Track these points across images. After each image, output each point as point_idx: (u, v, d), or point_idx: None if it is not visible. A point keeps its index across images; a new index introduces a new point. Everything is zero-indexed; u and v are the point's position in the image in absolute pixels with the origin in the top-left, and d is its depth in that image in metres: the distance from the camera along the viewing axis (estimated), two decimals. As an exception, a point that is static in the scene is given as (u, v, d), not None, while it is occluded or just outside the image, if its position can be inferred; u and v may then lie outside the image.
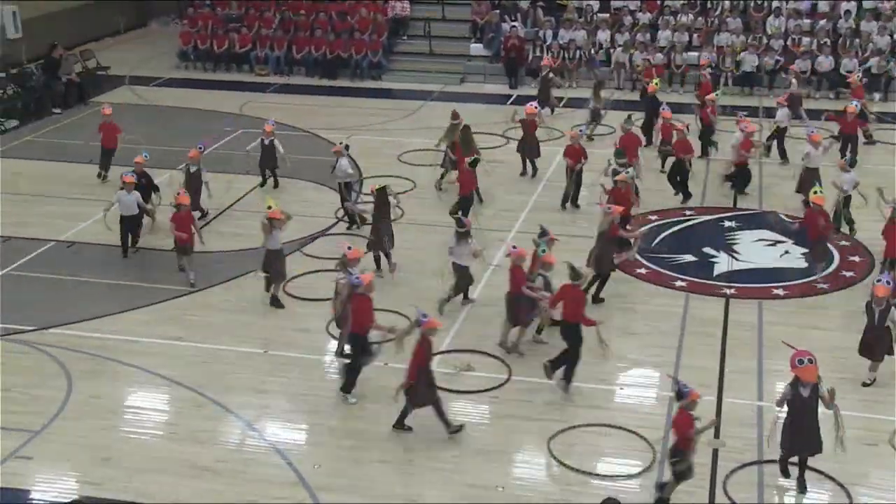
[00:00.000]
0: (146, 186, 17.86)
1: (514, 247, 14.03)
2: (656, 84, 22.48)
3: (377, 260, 16.37)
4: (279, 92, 28.40)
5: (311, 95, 27.95)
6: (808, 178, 18.13)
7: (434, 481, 11.56)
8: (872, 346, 13.12)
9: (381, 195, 16.23)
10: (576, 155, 18.74)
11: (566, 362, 13.13)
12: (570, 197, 18.98)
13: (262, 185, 20.17)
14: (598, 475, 11.60)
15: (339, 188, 18.21)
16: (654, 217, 18.64)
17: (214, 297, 15.80)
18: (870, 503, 11.14)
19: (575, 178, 18.89)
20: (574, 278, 13.17)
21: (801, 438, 11.06)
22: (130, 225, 17.14)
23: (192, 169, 18.07)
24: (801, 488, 11.23)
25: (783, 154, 21.52)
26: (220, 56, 30.61)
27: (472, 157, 18.45)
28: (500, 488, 11.46)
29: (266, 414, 12.94)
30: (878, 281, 13.06)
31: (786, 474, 11.37)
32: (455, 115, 20.20)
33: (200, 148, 18.40)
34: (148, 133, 22.45)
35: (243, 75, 30.09)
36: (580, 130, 19.49)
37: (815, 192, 16.20)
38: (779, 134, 21.65)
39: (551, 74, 24.92)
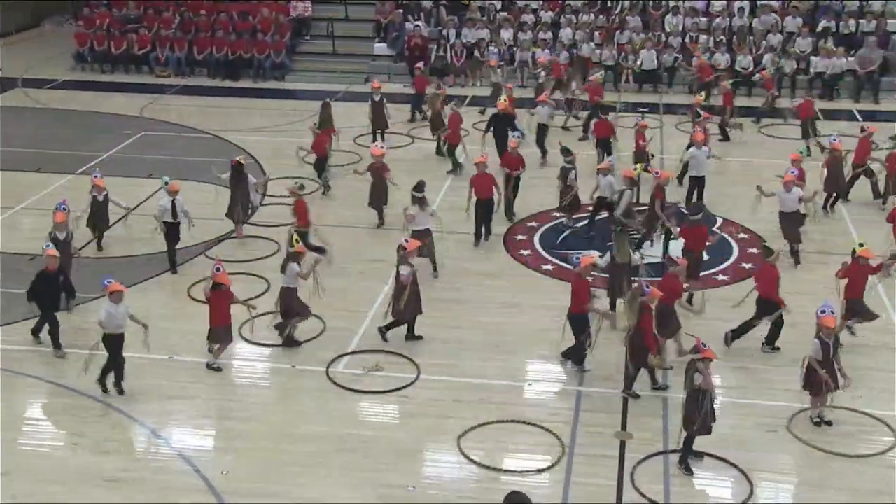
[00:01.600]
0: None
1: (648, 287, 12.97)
2: (504, 101, 21.08)
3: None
4: (181, 94, 27.94)
5: (214, 97, 27.57)
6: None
7: (345, 483, 11.49)
8: (831, 379, 12.12)
9: (238, 169, 17.75)
10: (515, 164, 18.44)
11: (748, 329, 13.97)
12: (508, 205, 18.56)
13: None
14: (507, 471, 11.68)
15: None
16: (559, 214, 18.82)
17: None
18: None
19: (513, 187, 18.54)
20: (768, 255, 13.95)
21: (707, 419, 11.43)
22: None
23: (100, 197, 16.91)
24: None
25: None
26: (118, 57, 29.99)
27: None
28: (412, 488, 11.45)
29: (172, 421, 12.71)
30: (823, 312, 12.10)
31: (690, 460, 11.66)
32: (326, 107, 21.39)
33: (97, 175, 17.12)
34: (44, 137, 21.87)
35: (143, 77, 29.54)
36: (517, 136, 19.44)
37: (861, 245, 14.11)
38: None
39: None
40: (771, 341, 14.09)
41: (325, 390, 13.24)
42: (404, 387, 13.36)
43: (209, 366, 13.71)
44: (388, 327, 14.43)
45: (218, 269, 13.50)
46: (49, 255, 13.87)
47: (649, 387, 13.12)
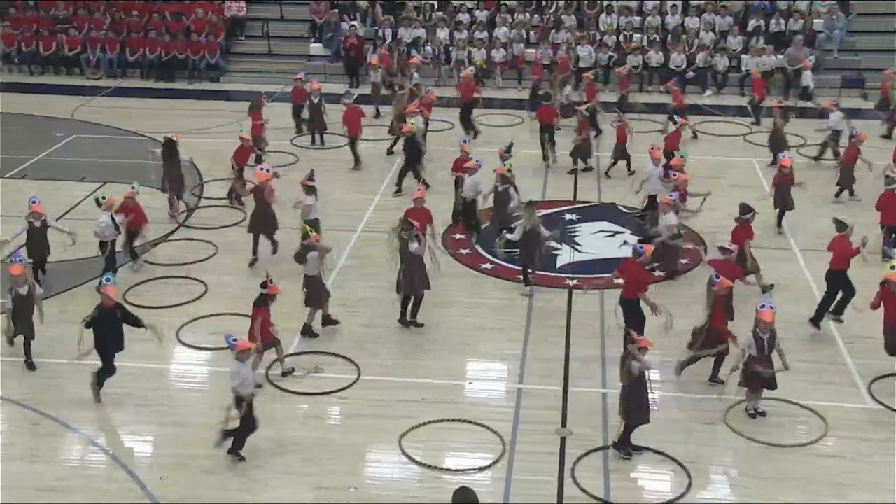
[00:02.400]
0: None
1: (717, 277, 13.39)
2: (412, 125, 20.15)
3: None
4: (113, 95, 27.50)
5: (147, 98, 27.18)
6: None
7: (285, 486, 11.41)
8: (765, 375, 12.40)
9: (170, 145, 18.19)
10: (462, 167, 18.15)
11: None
12: (456, 213, 18.39)
13: None
14: (449, 470, 11.69)
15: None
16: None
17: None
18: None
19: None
20: (841, 229, 14.60)
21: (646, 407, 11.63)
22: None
23: (37, 223, 15.86)
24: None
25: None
26: (47, 59, 29.41)
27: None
28: (354, 488, 11.41)
29: (107, 427, 12.51)
30: (763, 306, 12.25)
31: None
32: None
33: (34, 202, 16.02)
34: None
35: (74, 79, 29.00)
36: (465, 141, 19.37)
37: (893, 268, 13.39)
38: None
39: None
40: (839, 310, 14.76)
41: (264, 393, 13.12)
42: (345, 388, 13.30)
43: (284, 374, 13.56)
44: (404, 313, 14.69)
45: (270, 282, 13.18)
46: (106, 294, 12.57)
47: (707, 378, 13.34)
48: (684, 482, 11.44)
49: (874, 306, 13.44)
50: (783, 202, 18.07)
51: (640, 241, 15.53)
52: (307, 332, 14.55)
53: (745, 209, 15.91)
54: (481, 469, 11.70)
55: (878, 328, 13.48)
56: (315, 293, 14.45)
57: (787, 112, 22.10)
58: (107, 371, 12.86)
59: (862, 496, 11.25)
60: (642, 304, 13.84)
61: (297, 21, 30.50)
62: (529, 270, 15.99)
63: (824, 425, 12.44)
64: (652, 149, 18.15)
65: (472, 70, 24.95)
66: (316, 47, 29.74)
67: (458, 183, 18.26)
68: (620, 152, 20.87)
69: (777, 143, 21.15)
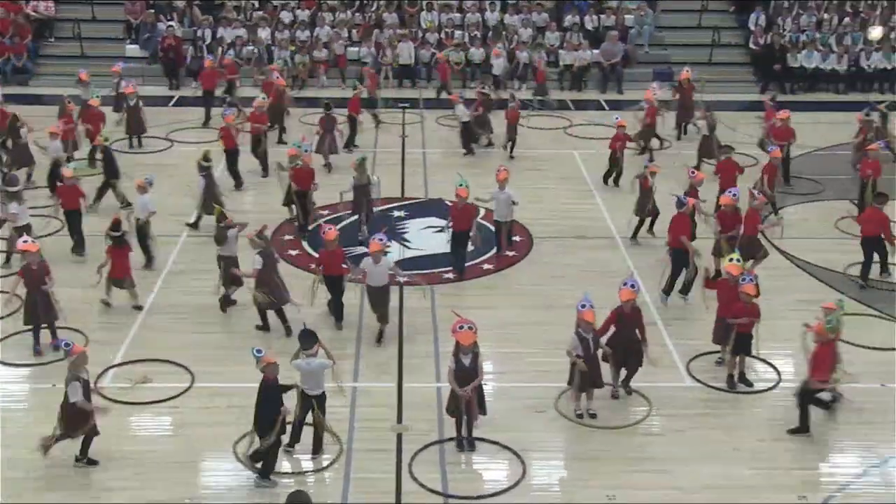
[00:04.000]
0: None
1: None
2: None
3: None
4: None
5: (-50, 103, 25.63)
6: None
7: (116, 500, 11.03)
8: (593, 373, 12.51)
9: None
10: (306, 178, 17.67)
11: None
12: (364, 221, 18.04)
13: None
14: (287, 473, 11.57)
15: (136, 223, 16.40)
16: (325, 212, 18.79)
17: None
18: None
19: (302, 203, 17.88)
20: (879, 201, 15.97)
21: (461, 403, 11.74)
22: None
23: None
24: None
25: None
26: None
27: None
28: (189, 499, 11.13)
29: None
30: (583, 306, 12.30)
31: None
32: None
33: None
34: None
35: None
36: (305, 150, 19.06)
37: (731, 260, 13.84)
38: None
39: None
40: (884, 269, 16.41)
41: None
42: (176, 396, 12.96)
43: None
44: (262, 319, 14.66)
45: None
46: (268, 363, 11.24)
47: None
48: (519, 470, 11.69)
49: (707, 287, 14.06)
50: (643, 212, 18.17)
51: (679, 199, 15.99)
52: (228, 303, 15.14)
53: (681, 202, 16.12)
54: (318, 470, 11.62)
55: (696, 311, 14.09)
56: (232, 273, 14.87)
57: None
58: None
59: (683, 470, 11.76)
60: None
61: (111, 22, 29.46)
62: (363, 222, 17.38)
63: (649, 405, 12.95)
64: (499, 170, 17.45)
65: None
66: (132, 48, 28.82)
67: (302, 196, 17.84)
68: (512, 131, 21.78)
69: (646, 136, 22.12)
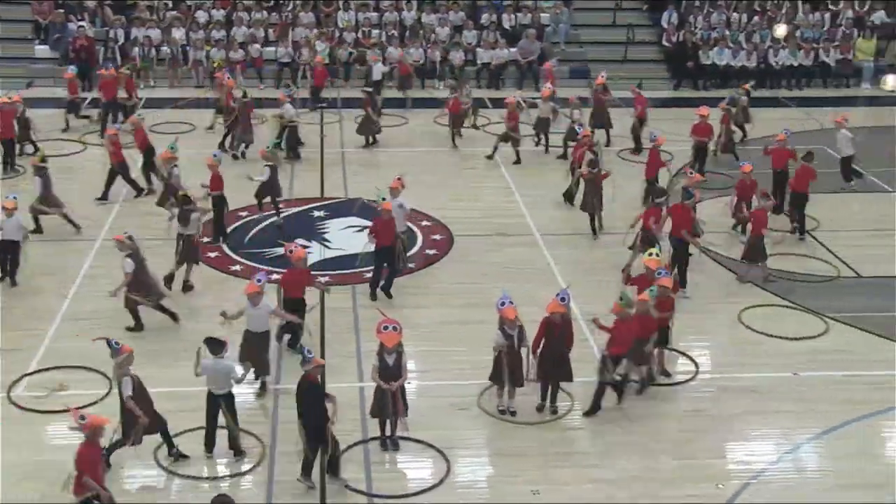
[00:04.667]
0: None
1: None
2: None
3: None
4: None
5: None
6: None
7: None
8: (515, 370, 12.57)
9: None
10: (219, 183, 17.26)
11: None
12: (220, 231, 17.64)
13: None
14: (209, 478, 11.43)
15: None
16: (244, 213, 18.61)
17: None
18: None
19: (218, 208, 17.40)
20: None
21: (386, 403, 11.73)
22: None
23: None
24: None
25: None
26: None
27: None
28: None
29: None
30: (503, 304, 12.39)
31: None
32: None
33: None
34: None
35: None
36: (214, 155, 18.72)
37: (650, 255, 14.06)
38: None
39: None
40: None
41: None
42: (96, 402, 12.69)
43: None
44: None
45: None
46: (317, 364, 11.28)
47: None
48: (444, 468, 11.72)
49: (627, 283, 14.18)
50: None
51: (685, 188, 16.46)
52: (189, 288, 15.67)
53: (661, 193, 16.53)
54: (241, 474, 11.50)
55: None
56: (192, 251, 15.52)
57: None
58: None
59: (606, 463, 11.93)
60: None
61: (19, 21, 28.70)
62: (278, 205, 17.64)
63: (571, 400, 13.09)
64: (397, 179, 16.65)
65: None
66: (42, 49, 28.15)
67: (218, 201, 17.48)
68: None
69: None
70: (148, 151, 19.66)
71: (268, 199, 18.05)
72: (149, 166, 19.64)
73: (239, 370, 11.69)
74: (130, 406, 11.24)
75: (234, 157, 21.33)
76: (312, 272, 14.68)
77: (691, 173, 17.80)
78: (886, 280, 16.81)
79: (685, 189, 16.47)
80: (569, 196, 19.18)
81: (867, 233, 18.52)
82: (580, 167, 18.20)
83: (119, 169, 19.21)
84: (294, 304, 13.90)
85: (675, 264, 15.75)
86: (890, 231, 18.87)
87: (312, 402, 11.14)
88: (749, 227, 16.79)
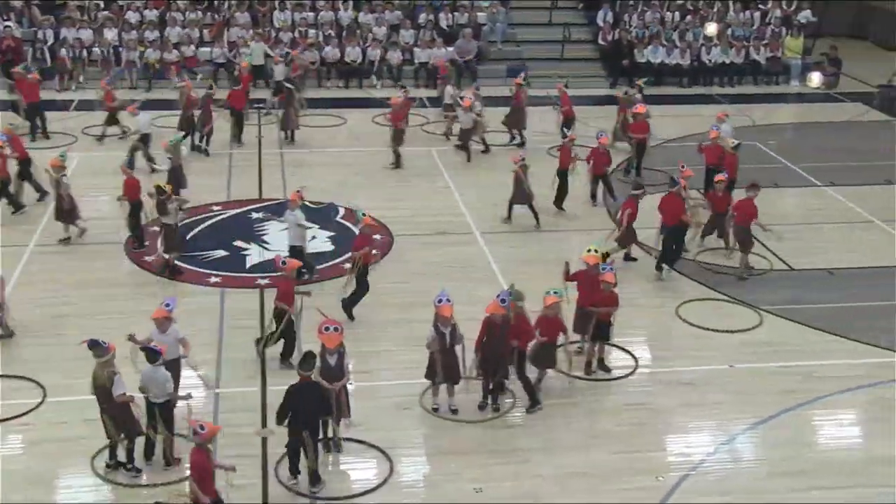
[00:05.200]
0: None
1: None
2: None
3: None
4: None
5: None
6: None
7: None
8: (452, 369, 12.66)
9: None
10: (133, 189, 17.04)
11: None
12: (138, 239, 17.33)
13: None
14: (148, 485, 11.30)
15: None
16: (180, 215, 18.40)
17: None
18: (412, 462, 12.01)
19: (131, 214, 17.15)
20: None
21: (326, 405, 11.57)
22: None
23: None
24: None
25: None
26: None
27: None
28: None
29: None
30: (440, 301, 12.43)
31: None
32: None
33: None
34: None
35: None
36: (126, 164, 18.35)
37: (589, 251, 14.04)
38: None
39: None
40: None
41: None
42: (27, 412, 12.47)
43: None
44: None
45: None
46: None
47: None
48: (387, 468, 11.72)
49: (567, 280, 14.07)
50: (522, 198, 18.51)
51: (672, 179, 17.01)
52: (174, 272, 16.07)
53: (637, 186, 16.99)
54: (180, 480, 11.37)
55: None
56: (175, 239, 16.11)
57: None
58: None
59: (547, 458, 12.03)
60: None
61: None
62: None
63: (513, 397, 13.16)
64: (296, 192, 16.20)
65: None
66: (-35, 49, 27.52)
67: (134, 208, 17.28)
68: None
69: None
70: (25, 161, 18.97)
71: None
72: (25, 176, 18.90)
73: (171, 382, 11.50)
74: (126, 400, 11.10)
75: (206, 153, 21.59)
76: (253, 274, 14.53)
77: (683, 166, 17.79)
78: (817, 272, 17.17)
79: (671, 178, 17.09)
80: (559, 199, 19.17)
81: (798, 226, 18.88)
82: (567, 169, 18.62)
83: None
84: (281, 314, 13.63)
85: (666, 248, 16.66)
86: (819, 224, 19.35)
87: (312, 401, 11.07)
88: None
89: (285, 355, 13.76)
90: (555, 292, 12.88)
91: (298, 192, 16.19)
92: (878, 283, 16.77)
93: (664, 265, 16.80)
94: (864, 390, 13.58)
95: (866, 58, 32.92)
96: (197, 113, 21.85)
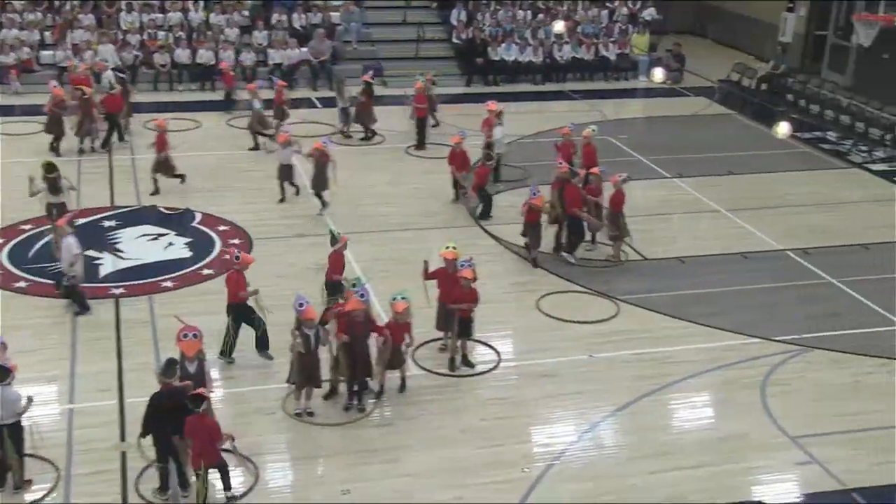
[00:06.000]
0: None
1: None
2: None
3: None
4: None
5: None
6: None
7: None
8: (312, 372, 12.60)
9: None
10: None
11: None
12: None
13: None
14: (4, 507, 10.88)
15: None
16: (27, 227, 17.73)
17: None
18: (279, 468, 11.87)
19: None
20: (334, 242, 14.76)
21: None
22: None
23: None
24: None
25: None
26: None
27: None
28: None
29: None
30: (301, 305, 12.31)
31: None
32: None
33: None
34: None
35: None
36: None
37: (447, 248, 14.11)
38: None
39: None
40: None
41: None
42: None
43: None
44: None
45: None
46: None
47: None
48: (252, 475, 11.57)
49: (427, 278, 14.14)
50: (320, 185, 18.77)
51: (571, 170, 17.69)
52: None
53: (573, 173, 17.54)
54: (34, 502, 10.96)
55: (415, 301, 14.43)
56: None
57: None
58: None
59: (414, 456, 12.08)
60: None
61: None
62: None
63: (377, 398, 13.16)
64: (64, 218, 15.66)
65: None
66: None
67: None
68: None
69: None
70: None
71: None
72: None
73: (24, 401, 11.01)
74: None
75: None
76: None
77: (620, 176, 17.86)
78: (669, 261, 17.77)
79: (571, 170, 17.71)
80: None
81: (649, 217, 19.48)
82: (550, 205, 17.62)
83: None
84: (238, 310, 13.75)
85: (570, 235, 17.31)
86: (668, 214, 20.03)
87: (176, 408, 10.71)
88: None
89: (260, 346, 13.81)
90: (402, 297, 12.94)
91: (64, 217, 15.56)
92: (725, 269, 17.48)
93: (566, 252, 17.38)
94: (713, 373, 14.13)
95: (707, 54, 34.27)
96: (71, 117, 21.34)
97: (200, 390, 10.82)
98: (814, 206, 20.63)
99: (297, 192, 19.72)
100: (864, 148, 24.32)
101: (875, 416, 13.12)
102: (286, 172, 19.54)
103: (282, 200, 19.44)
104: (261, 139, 22.41)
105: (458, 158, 19.55)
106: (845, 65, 29.63)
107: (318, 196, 18.99)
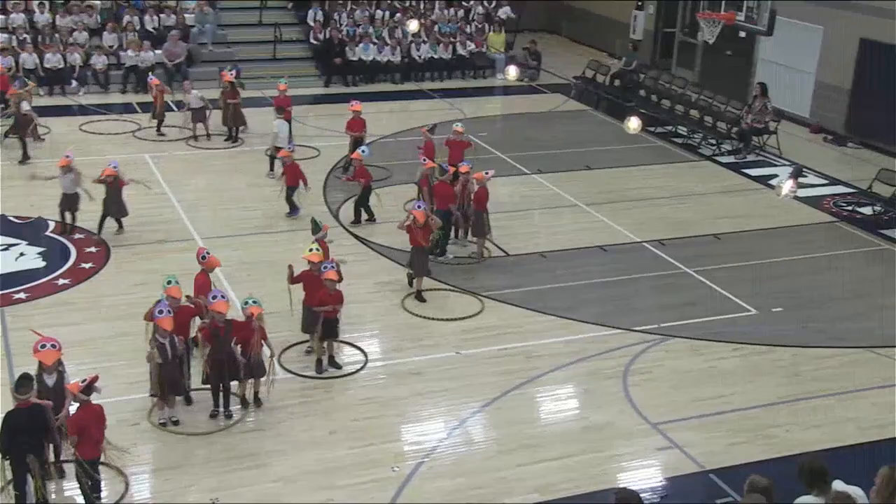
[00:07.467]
0: None
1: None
2: None
3: None
4: None
5: None
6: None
7: None
8: (176, 381, 12.49)
9: None
10: None
11: None
12: None
13: None
14: None
15: None
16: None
17: None
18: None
19: None
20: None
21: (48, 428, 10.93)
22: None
23: None
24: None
25: None
26: None
27: None
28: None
29: None
30: (161, 312, 12.20)
31: None
32: None
33: None
34: None
35: None
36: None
37: (311, 250, 14.08)
38: None
39: None
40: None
41: None
42: None
43: None
44: None
45: None
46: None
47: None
48: (121, 486, 11.33)
49: (292, 282, 14.01)
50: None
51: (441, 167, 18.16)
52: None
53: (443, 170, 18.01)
54: None
55: (281, 305, 14.33)
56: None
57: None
58: None
59: (283, 461, 11.99)
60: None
61: None
62: None
63: (244, 403, 13.02)
64: None
65: None
66: None
67: None
68: None
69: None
70: None
71: None
72: None
73: None
74: None
75: None
76: None
77: (425, 160, 18.31)
78: (531, 256, 18.13)
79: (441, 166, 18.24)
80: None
81: (511, 213, 19.83)
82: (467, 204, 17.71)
83: None
84: None
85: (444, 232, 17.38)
86: (530, 210, 20.44)
87: (33, 426, 10.42)
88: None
89: None
90: (254, 302, 12.83)
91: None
92: (585, 262, 17.94)
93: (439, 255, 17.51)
94: (577, 364, 14.50)
95: (561, 51, 35.05)
96: None
97: (92, 377, 10.71)
98: (668, 199, 21.38)
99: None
100: (712, 141, 25.31)
101: (729, 399, 13.70)
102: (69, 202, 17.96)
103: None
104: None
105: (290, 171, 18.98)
106: (693, 61, 30.84)
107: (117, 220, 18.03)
